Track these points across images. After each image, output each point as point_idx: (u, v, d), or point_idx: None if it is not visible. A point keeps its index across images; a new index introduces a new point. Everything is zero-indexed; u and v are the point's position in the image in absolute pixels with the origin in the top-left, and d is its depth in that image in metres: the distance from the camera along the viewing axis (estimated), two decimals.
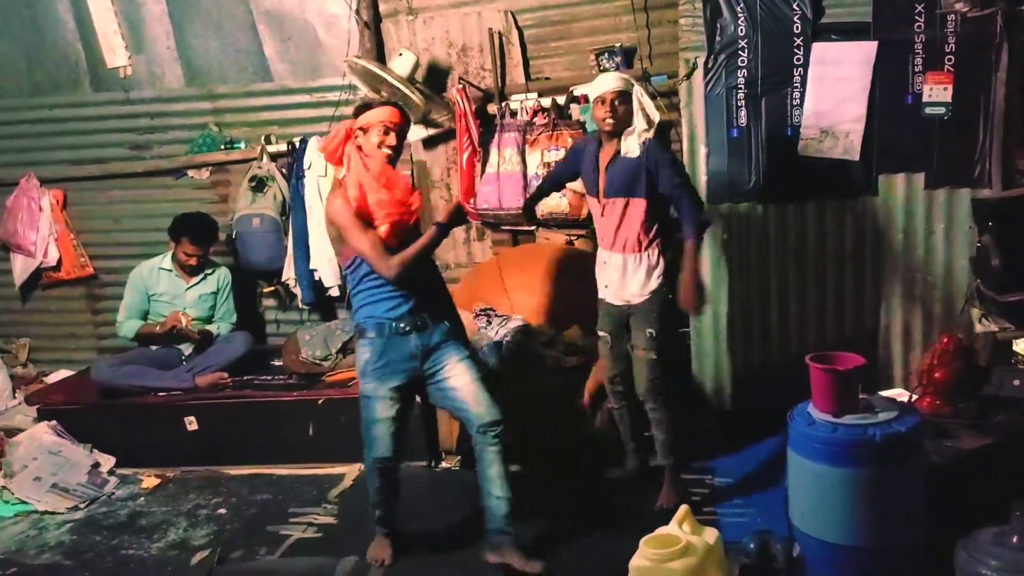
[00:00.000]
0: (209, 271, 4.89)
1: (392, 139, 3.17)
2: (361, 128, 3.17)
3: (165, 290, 4.79)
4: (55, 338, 5.77)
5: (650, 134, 3.36)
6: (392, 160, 3.20)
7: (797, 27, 3.93)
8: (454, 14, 4.79)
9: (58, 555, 3.74)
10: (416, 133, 4.85)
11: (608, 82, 3.39)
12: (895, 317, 4.10)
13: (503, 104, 4.68)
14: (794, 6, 3.92)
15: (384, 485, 3.33)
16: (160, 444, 4.51)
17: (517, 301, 4.47)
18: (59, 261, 5.53)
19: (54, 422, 4.57)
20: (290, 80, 5.11)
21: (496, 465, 3.22)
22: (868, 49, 3.89)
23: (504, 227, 4.88)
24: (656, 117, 3.38)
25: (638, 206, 3.40)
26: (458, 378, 3.22)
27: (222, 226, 5.17)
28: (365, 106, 3.26)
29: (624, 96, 3.37)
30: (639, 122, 3.36)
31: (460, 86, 4.65)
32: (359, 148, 3.16)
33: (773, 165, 4.06)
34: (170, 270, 4.81)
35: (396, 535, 3.43)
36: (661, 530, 2.76)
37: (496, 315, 4.37)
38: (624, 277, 3.49)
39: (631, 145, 3.36)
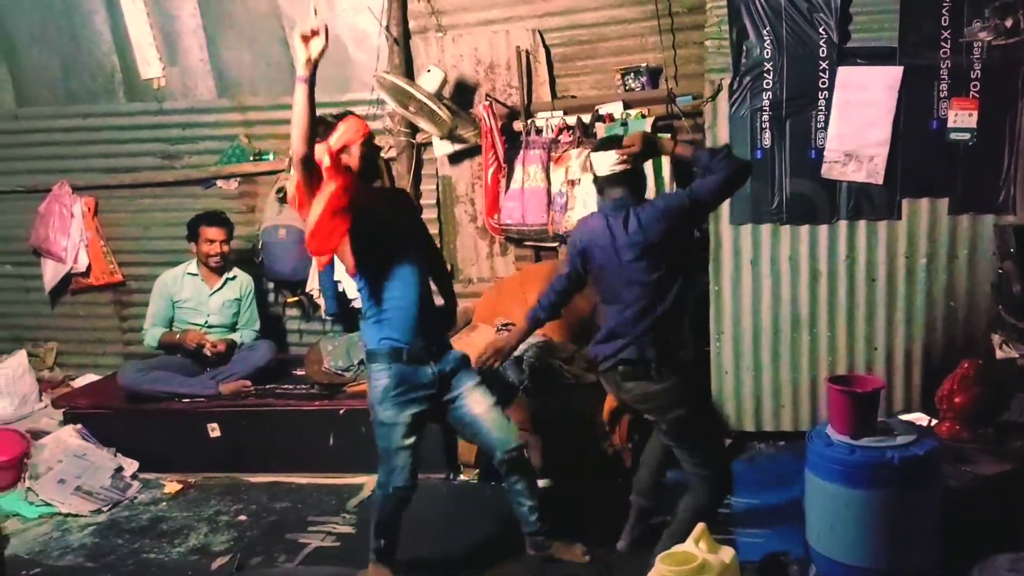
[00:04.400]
0: (231, 276, 4.95)
1: (366, 150, 3.12)
2: (344, 146, 3.07)
3: (189, 296, 4.86)
4: (83, 343, 5.86)
5: None
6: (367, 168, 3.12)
7: (823, 51, 3.96)
8: (483, 32, 4.85)
9: (80, 557, 3.80)
10: (442, 148, 4.90)
11: None
12: (916, 341, 4.09)
13: (529, 121, 4.72)
14: (820, 30, 3.94)
15: (396, 515, 3.24)
16: (183, 450, 4.57)
17: None
18: (89, 267, 5.63)
19: (79, 426, 4.63)
20: (319, 94, 5.07)
21: (523, 480, 3.32)
22: (893, 74, 3.91)
23: (527, 242, 4.91)
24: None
25: None
26: (477, 405, 3.21)
27: (249, 236, 5.24)
28: (326, 123, 3.12)
29: None
30: None
31: (487, 103, 4.71)
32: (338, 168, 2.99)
33: (796, 187, 4.07)
34: (195, 274, 4.87)
35: (396, 563, 3.31)
36: (678, 547, 2.77)
37: None
38: None
39: None
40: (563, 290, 3.26)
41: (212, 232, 4.81)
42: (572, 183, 4.52)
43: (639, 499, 3.46)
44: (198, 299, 4.87)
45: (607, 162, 3.08)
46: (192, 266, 4.89)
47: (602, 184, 3.15)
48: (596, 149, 3.16)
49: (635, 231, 3.00)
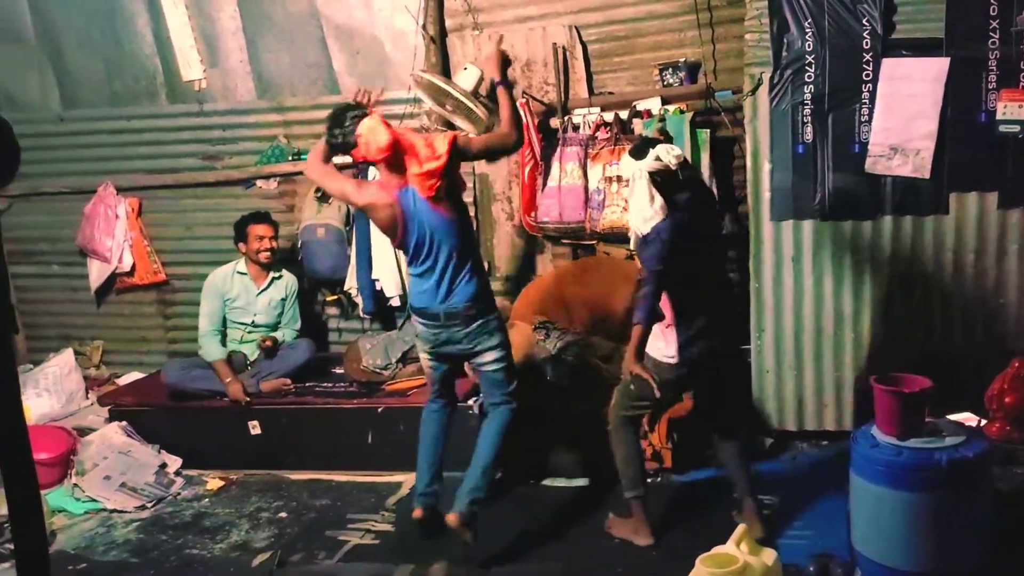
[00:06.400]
0: (277, 275, 4.99)
1: None
2: None
3: (238, 295, 4.89)
4: (127, 341, 5.95)
5: (646, 230, 3.22)
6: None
7: (867, 43, 3.88)
8: (519, 29, 4.83)
9: (125, 553, 3.86)
10: None
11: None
12: (965, 339, 4.00)
13: (566, 118, 4.70)
14: (864, 22, 3.86)
15: None
16: (225, 447, 4.62)
17: (576, 315, 4.48)
18: (133, 267, 5.70)
19: (124, 423, 4.72)
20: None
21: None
22: (940, 65, 3.81)
23: (564, 240, 4.89)
24: (650, 216, 3.22)
25: None
26: None
27: (288, 235, 5.29)
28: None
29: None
30: (633, 216, 3.27)
31: (523, 100, 4.69)
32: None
33: (839, 182, 3.99)
34: (244, 273, 4.91)
35: None
36: (718, 549, 2.74)
37: (555, 328, 4.39)
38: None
39: (632, 236, 3.34)
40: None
41: (261, 229, 4.86)
42: (609, 180, 4.49)
43: (639, 491, 3.47)
44: (247, 298, 4.91)
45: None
46: (241, 265, 4.94)
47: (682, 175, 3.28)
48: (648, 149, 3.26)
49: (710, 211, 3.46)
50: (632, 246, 3.39)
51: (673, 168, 3.21)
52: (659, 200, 3.19)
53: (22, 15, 5.57)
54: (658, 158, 3.21)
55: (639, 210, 3.21)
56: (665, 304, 3.25)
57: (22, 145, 1.40)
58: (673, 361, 3.29)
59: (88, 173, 5.75)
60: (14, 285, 5.90)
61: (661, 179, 3.20)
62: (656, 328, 3.28)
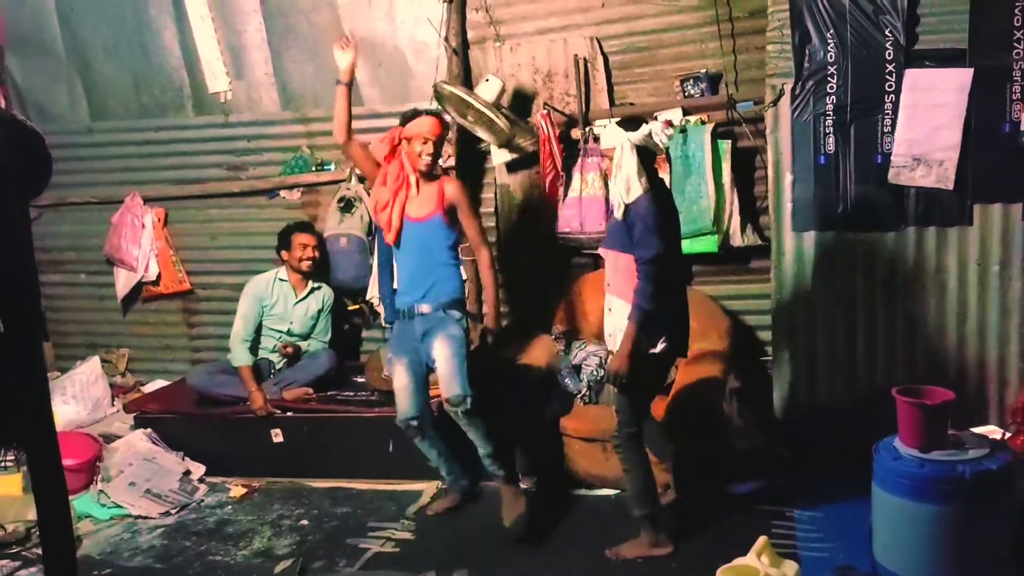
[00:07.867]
0: (316, 287, 5.05)
1: (430, 148, 3.72)
2: (406, 138, 3.76)
3: (277, 300, 4.94)
4: (152, 349, 6.01)
5: (630, 199, 3.24)
6: (430, 168, 3.78)
7: (889, 53, 3.87)
8: (540, 41, 4.86)
9: (150, 558, 3.89)
10: (500, 157, 4.92)
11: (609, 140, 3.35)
12: (989, 351, 3.97)
13: (587, 129, 4.71)
14: (886, 32, 3.86)
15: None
16: (247, 455, 4.65)
17: (596, 325, 4.48)
18: (159, 276, 5.75)
19: (149, 430, 4.76)
20: (380, 105, 5.25)
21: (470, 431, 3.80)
22: (963, 76, 3.80)
23: (585, 251, 4.90)
24: (636, 187, 3.23)
25: (628, 260, 3.30)
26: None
27: None
28: (411, 114, 3.80)
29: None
30: (619, 184, 3.26)
31: (545, 111, 4.71)
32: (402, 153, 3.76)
33: (862, 193, 3.98)
34: (285, 280, 4.97)
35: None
36: (738, 561, 2.73)
37: (575, 339, 4.39)
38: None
39: (617, 207, 3.31)
40: None
41: (304, 238, 4.95)
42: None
43: (657, 506, 3.50)
44: (285, 306, 4.95)
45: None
46: (282, 272, 4.99)
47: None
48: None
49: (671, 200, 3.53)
50: (618, 213, 3.29)
51: (662, 148, 3.33)
52: (645, 174, 3.23)
53: (52, 29, 5.66)
54: (650, 134, 3.27)
55: (626, 179, 3.24)
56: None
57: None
58: (664, 348, 3.32)
59: (115, 183, 5.81)
60: (43, 294, 5.98)
61: (645, 155, 3.27)
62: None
